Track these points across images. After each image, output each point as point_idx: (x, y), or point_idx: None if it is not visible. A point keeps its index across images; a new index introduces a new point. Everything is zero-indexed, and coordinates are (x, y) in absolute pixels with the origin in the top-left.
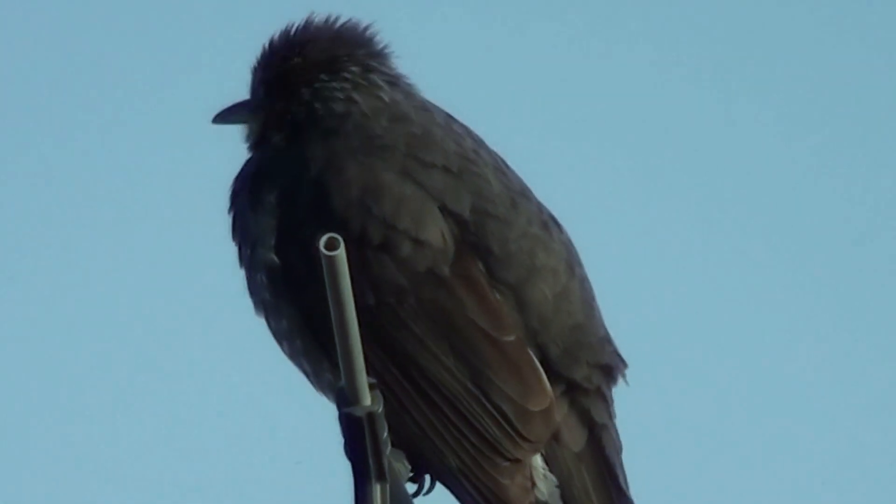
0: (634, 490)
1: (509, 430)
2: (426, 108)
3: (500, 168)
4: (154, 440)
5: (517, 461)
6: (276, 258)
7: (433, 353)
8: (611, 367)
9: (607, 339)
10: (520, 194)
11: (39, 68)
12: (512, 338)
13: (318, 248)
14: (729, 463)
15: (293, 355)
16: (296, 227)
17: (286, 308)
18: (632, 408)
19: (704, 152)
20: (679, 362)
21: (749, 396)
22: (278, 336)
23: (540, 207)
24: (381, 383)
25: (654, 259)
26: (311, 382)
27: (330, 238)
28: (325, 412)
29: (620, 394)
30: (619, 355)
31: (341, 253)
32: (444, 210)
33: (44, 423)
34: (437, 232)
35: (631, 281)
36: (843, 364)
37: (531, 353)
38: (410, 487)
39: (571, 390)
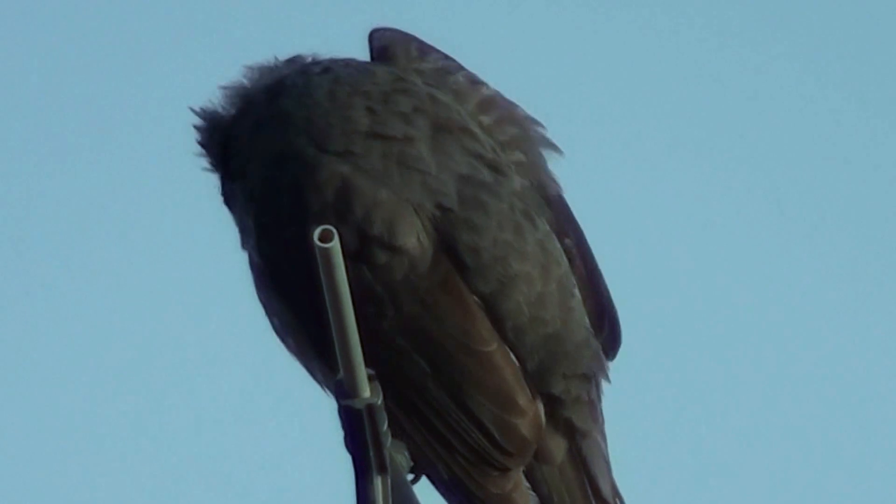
0: (625, 487)
1: (494, 442)
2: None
3: (425, 135)
4: (149, 435)
5: (507, 470)
6: (258, 257)
7: (416, 365)
8: (591, 375)
9: (586, 343)
10: (477, 184)
11: (35, 70)
12: (493, 347)
13: (311, 241)
14: (724, 460)
15: (289, 351)
16: (276, 227)
17: (276, 305)
18: (622, 402)
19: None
20: (674, 356)
21: (751, 394)
22: (276, 332)
23: (512, 197)
24: None
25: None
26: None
27: (324, 230)
28: (324, 405)
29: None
30: (599, 356)
31: (336, 244)
32: (417, 209)
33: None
34: (413, 237)
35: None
36: (848, 364)
37: (513, 360)
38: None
39: (549, 404)
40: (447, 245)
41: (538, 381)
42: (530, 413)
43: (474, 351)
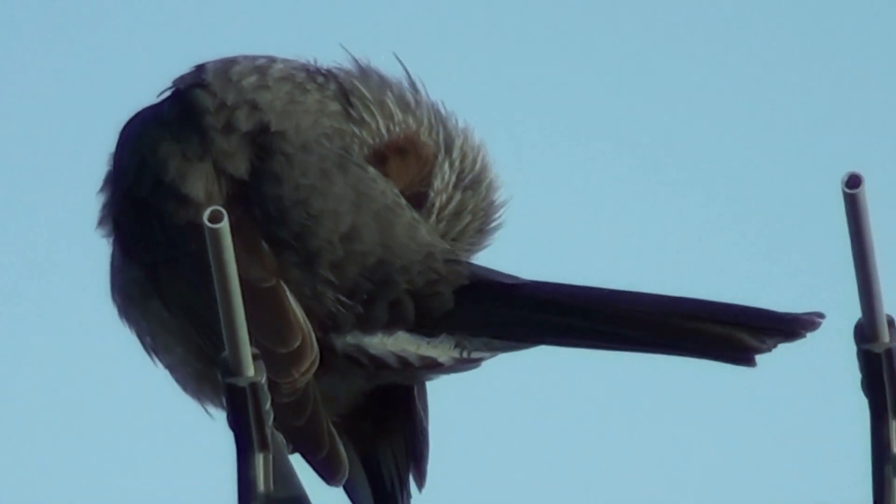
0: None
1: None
2: None
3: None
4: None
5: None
6: (140, 270)
7: (207, 303)
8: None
9: (428, 257)
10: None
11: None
12: (271, 283)
13: (202, 223)
14: None
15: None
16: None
17: (156, 318)
18: None
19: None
20: None
21: None
22: (150, 351)
23: (319, 147)
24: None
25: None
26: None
27: (214, 211)
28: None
29: None
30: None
31: (225, 225)
32: (217, 170)
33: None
34: (200, 187)
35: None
36: None
37: (289, 296)
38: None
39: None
40: (245, 196)
41: (377, 312)
42: (296, 344)
43: (251, 286)
